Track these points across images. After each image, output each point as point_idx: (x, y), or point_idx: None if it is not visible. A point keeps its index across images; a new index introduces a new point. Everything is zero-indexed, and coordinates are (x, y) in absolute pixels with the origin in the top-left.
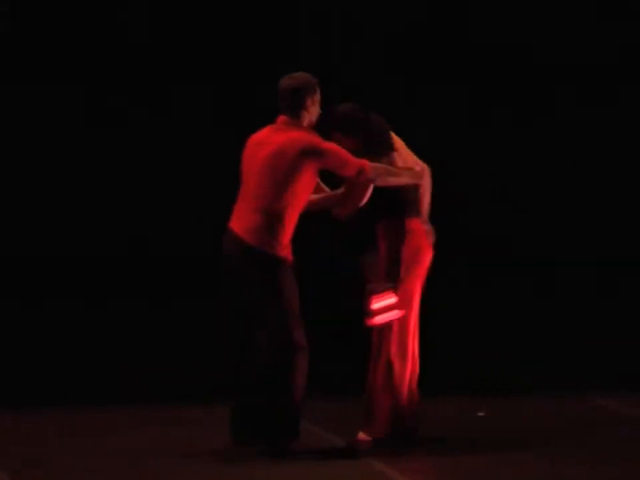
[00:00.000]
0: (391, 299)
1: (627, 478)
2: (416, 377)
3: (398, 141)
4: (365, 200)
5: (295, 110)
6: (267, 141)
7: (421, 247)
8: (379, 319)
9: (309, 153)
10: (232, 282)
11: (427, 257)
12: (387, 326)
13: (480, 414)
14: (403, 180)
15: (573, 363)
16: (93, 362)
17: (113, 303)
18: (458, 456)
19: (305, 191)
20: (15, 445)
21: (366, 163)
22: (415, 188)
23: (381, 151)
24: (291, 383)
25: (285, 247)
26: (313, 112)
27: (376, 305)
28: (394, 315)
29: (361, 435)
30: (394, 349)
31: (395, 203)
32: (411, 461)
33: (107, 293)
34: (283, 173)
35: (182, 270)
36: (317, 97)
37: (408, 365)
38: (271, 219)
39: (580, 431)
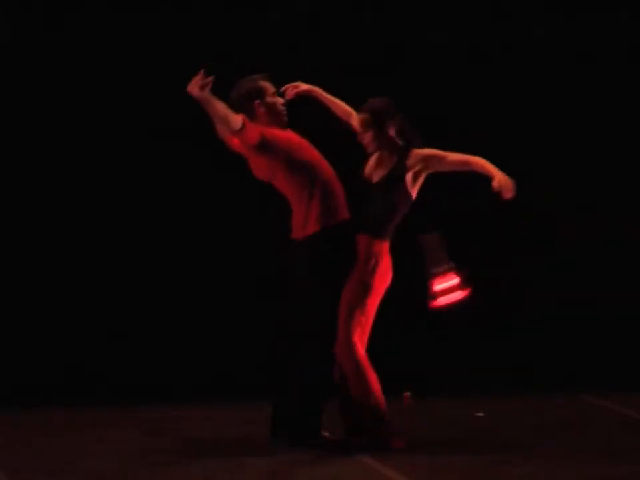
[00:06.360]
0: (454, 280)
1: (621, 477)
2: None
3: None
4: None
5: None
6: None
7: (389, 268)
8: (442, 300)
9: None
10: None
11: (390, 278)
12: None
13: (479, 414)
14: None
15: (566, 363)
16: (92, 362)
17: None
18: (452, 454)
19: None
20: (14, 445)
21: None
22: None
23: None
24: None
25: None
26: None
27: (439, 286)
28: (457, 296)
29: None
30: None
31: (381, 223)
32: (406, 459)
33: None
34: None
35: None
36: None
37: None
38: None
39: (575, 431)
